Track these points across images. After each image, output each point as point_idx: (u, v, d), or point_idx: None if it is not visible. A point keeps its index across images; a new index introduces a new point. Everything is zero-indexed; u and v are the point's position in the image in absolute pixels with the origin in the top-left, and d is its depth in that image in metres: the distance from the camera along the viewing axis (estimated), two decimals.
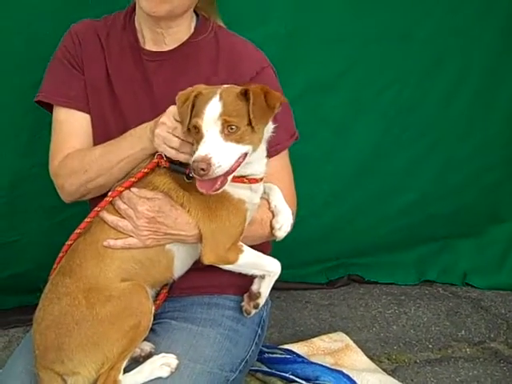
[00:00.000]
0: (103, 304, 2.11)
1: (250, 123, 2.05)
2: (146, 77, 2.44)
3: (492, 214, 3.99)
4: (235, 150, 2.04)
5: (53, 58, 2.50)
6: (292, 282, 3.77)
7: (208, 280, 2.43)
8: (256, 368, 2.90)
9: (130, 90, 2.45)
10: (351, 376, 2.84)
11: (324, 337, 3.28)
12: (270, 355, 3.00)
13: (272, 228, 2.34)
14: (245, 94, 2.07)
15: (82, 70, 2.46)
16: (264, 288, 2.32)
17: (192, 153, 2.07)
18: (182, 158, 2.15)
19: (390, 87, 3.51)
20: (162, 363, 2.19)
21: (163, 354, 2.23)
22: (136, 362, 2.22)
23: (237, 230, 2.21)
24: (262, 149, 2.22)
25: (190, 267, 2.33)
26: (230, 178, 2.07)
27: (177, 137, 2.13)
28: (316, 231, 3.62)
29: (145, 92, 2.43)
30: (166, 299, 2.42)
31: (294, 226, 2.42)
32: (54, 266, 2.27)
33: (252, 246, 2.28)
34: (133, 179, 2.23)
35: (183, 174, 2.18)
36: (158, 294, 2.38)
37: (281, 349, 3.10)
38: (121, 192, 2.24)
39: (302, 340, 3.25)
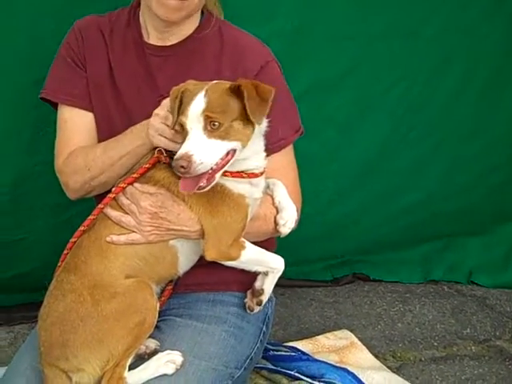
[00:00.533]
0: (108, 301, 2.11)
1: (243, 119, 2.03)
2: (149, 71, 2.43)
3: (498, 213, 3.99)
4: (220, 146, 2.02)
5: (57, 55, 2.51)
6: (297, 280, 3.77)
7: (213, 276, 2.42)
8: (261, 365, 2.90)
9: (133, 85, 2.44)
10: (356, 374, 2.84)
11: (329, 334, 3.28)
12: (275, 352, 3.00)
13: (276, 224, 2.32)
14: (236, 90, 2.05)
15: (84, 67, 2.47)
16: (267, 285, 2.31)
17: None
18: (177, 148, 2.11)
19: (397, 86, 3.49)
20: (167, 360, 2.19)
21: (168, 351, 2.23)
22: (141, 359, 2.22)
23: (238, 225, 2.18)
24: (259, 144, 2.20)
25: (195, 263, 2.32)
26: (217, 175, 2.05)
27: (169, 127, 2.12)
28: (321, 229, 3.60)
29: (149, 87, 2.43)
30: (171, 296, 2.42)
31: (299, 223, 2.41)
32: (59, 264, 2.27)
33: (257, 243, 2.27)
34: (135, 175, 2.22)
35: None
36: (162, 291, 2.38)
37: (285, 346, 3.10)
38: (123, 188, 2.24)
39: (306, 337, 3.25)
